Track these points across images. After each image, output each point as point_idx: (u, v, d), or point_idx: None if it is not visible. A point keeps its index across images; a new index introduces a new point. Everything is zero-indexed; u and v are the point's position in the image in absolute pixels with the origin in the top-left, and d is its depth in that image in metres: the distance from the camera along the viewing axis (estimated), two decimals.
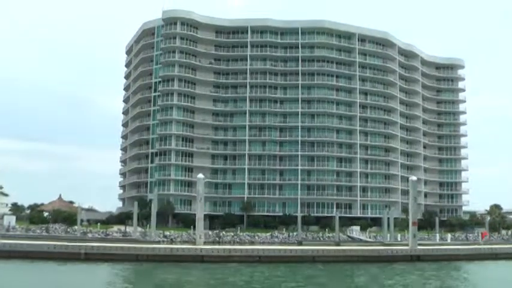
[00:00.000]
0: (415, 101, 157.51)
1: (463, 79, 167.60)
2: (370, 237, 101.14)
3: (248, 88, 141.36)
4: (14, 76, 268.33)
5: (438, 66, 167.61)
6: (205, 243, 79.32)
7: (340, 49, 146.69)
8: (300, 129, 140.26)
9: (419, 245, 56.64)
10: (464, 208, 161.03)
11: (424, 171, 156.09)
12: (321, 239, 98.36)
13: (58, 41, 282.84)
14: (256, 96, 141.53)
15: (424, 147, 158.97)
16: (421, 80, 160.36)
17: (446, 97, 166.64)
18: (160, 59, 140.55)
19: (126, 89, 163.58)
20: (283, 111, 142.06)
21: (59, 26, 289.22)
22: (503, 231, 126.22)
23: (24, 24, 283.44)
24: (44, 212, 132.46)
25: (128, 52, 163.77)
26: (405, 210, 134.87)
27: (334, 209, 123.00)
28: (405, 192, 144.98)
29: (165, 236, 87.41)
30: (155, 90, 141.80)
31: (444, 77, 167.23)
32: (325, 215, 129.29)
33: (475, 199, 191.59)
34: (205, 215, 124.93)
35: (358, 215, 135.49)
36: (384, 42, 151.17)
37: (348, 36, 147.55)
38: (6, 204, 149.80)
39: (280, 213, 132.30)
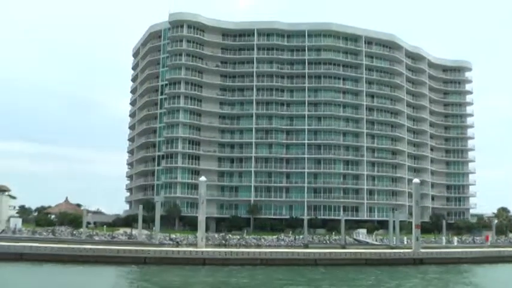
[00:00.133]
0: (422, 104, 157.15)
1: (470, 81, 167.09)
2: (376, 240, 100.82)
3: (255, 91, 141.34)
4: (25, 78, 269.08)
5: (445, 69, 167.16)
6: (211, 245, 79.65)
7: (346, 52, 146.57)
8: (306, 132, 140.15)
9: (425, 248, 56.41)
10: (471, 211, 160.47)
11: (431, 173, 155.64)
12: (328, 241, 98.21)
13: (67, 44, 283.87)
14: (263, 99, 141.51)
15: (431, 149, 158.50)
16: (428, 82, 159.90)
17: (453, 99, 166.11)
18: (167, 62, 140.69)
19: (133, 91, 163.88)
20: (290, 114, 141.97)
21: (67, 29, 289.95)
22: (511, 234, 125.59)
23: (34, 28, 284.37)
24: (50, 215, 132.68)
25: (135, 55, 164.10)
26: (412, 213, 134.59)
27: (341, 212, 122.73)
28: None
29: (171, 239, 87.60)
30: (162, 93, 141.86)
31: (451, 79, 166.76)
32: (332, 217, 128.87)
33: (483, 202, 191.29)
34: (211, 218, 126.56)
35: (365, 218, 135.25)
36: (390, 45, 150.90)
37: (354, 38, 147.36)
38: (14, 207, 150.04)
39: (287, 216, 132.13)
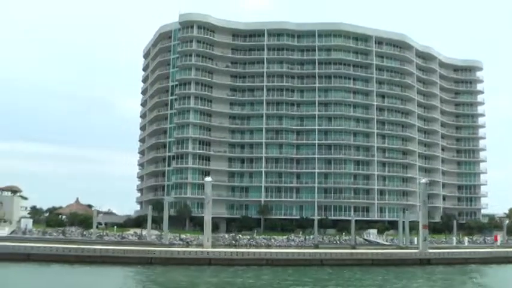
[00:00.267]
0: (433, 104, 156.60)
1: (481, 81, 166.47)
2: (387, 241, 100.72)
3: (265, 91, 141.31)
4: (38, 80, 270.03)
5: (456, 68, 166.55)
6: (221, 246, 79.69)
7: (357, 51, 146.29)
8: (316, 132, 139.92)
9: (435, 248, 56.14)
10: (483, 211, 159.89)
11: (442, 174, 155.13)
12: (338, 242, 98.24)
13: (79, 45, 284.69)
14: (273, 99, 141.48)
15: (442, 149, 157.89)
16: (439, 82, 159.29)
17: (464, 99, 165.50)
18: (177, 63, 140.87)
19: (144, 92, 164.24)
20: (300, 114, 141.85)
21: (79, 30, 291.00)
22: None
23: (45, 28, 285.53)
24: (61, 215, 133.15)
25: (146, 56, 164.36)
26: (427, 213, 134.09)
27: (352, 212, 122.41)
28: (427, 196, 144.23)
29: (181, 239, 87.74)
30: (172, 94, 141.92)
31: (462, 79, 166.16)
32: (342, 218, 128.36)
33: (494, 202, 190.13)
34: (222, 218, 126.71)
35: (376, 218, 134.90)
36: (401, 45, 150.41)
37: (364, 38, 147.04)
38: (26, 208, 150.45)
39: (297, 217, 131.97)
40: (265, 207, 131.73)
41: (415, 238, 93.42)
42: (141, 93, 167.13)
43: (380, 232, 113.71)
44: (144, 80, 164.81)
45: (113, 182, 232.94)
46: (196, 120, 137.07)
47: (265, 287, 34.37)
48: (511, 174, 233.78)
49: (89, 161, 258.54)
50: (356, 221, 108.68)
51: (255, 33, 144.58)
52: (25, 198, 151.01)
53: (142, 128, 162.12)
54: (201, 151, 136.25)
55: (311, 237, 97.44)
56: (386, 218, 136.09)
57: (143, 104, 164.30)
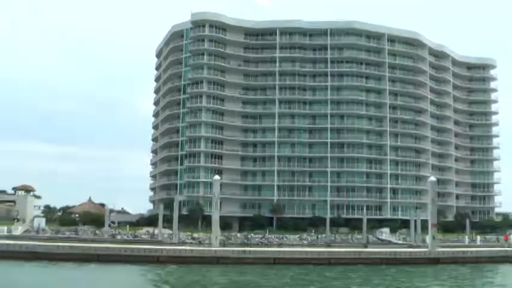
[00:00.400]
0: (446, 102, 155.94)
1: (495, 79, 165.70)
2: (399, 239, 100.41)
3: (277, 90, 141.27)
4: (48, 79, 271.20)
5: (470, 67, 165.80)
6: (233, 245, 79.64)
7: (369, 50, 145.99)
8: (329, 131, 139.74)
9: (446, 247, 55.81)
10: (496, 210, 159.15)
11: (456, 172, 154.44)
12: (350, 241, 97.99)
13: (91, 45, 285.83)
14: (285, 98, 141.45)
15: (456, 148, 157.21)
16: (452, 80, 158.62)
17: (477, 97, 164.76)
18: (189, 62, 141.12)
19: (157, 91, 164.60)
20: (312, 113, 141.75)
21: (91, 30, 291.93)
22: None
23: (59, 28, 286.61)
24: (75, 214, 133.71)
25: (158, 55, 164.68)
26: (438, 212, 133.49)
27: (364, 211, 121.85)
28: (436, 194, 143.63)
29: (193, 238, 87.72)
30: (184, 93, 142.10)
31: (476, 77, 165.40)
32: (355, 216, 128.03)
33: (508, 201, 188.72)
34: (234, 217, 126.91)
35: (389, 217, 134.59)
36: (414, 43, 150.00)
37: (377, 36, 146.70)
38: (39, 207, 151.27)
39: (310, 215, 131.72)
40: (278, 206, 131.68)
41: (427, 237, 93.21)
42: (154, 92, 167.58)
43: (393, 231, 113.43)
44: (157, 79, 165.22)
45: (127, 181, 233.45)
46: (208, 119, 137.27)
47: (273, 286, 34.34)
48: None
49: (102, 160, 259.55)
50: (369, 219, 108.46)
51: (267, 32, 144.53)
52: (38, 198, 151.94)
53: (155, 127, 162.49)
54: (213, 150, 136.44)
55: (323, 236, 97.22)
56: (399, 217, 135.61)
57: (156, 103, 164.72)
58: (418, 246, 60.51)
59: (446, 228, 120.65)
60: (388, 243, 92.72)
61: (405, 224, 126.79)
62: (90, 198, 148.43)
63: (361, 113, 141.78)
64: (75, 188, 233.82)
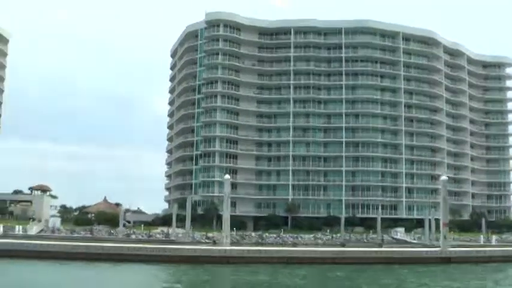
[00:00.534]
0: (462, 100, 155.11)
1: (510, 77, 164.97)
2: (414, 239, 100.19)
3: (292, 89, 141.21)
4: (64, 78, 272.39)
5: (485, 65, 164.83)
6: (248, 244, 79.72)
7: (384, 49, 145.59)
8: (344, 130, 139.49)
9: (461, 246, 55.59)
10: None
11: (472, 171, 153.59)
12: (365, 240, 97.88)
13: (106, 45, 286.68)
14: (300, 98, 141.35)
15: (471, 147, 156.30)
16: (467, 78, 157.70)
17: (493, 96, 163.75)
18: (204, 61, 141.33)
19: (172, 91, 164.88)
20: (327, 112, 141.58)
21: (107, 31, 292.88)
22: None
23: (78, 28, 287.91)
24: (90, 214, 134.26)
25: (173, 55, 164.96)
26: (452, 211, 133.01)
27: (379, 210, 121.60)
28: (452, 193, 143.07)
29: (207, 238, 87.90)
30: (199, 93, 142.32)
31: (491, 75, 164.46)
32: (370, 216, 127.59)
33: None
34: (249, 217, 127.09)
35: (404, 216, 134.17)
36: (428, 41, 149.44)
37: (392, 35, 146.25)
38: (56, 207, 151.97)
39: (325, 215, 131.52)
40: (293, 206, 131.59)
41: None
42: (169, 92, 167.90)
43: (408, 230, 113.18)
44: (172, 79, 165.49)
45: (143, 181, 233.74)
46: (223, 118, 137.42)
47: (283, 285, 34.37)
48: None
49: (118, 159, 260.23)
50: (384, 219, 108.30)
51: (282, 31, 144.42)
52: (55, 197, 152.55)
53: (170, 127, 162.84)
54: (228, 150, 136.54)
55: (338, 235, 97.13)
56: (415, 216, 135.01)
57: (171, 103, 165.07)
58: (432, 246, 60.15)
59: (462, 227, 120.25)
60: (403, 242, 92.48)
61: (420, 223, 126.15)
62: (105, 198, 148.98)
63: (376, 112, 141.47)
64: (91, 188, 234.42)
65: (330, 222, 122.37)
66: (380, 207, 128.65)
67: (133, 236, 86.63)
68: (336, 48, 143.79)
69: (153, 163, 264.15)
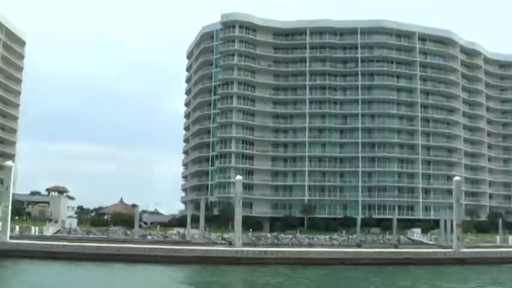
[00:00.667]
0: (479, 101, 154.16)
1: None
2: (431, 240, 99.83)
3: (307, 90, 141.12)
4: (80, 79, 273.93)
5: (502, 64, 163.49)
6: (264, 245, 79.76)
7: (400, 49, 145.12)
8: (360, 131, 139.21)
9: (477, 247, 55.28)
10: None
11: (489, 172, 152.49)
12: (381, 241, 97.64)
13: (124, 47, 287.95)
14: (316, 98, 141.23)
15: (489, 147, 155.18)
16: (484, 78, 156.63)
17: (510, 96, 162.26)
18: (220, 63, 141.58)
19: (188, 92, 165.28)
20: (343, 113, 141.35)
21: (126, 34, 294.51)
22: None
23: (92, 30, 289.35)
24: (107, 215, 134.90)
25: (189, 56, 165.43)
26: (469, 212, 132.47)
27: (396, 211, 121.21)
28: (469, 194, 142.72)
29: (223, 239, 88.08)
30: (215, 94, 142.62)
31: (508, 75, 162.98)
32: (386, 217, 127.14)
33: None
34: (265, 218, 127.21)
35: (420, 217, 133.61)
36: (445, 41, 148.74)
37: (407, 35, 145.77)
38: (73, 208, 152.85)
39: (341, 216, 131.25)
40: (309, 207, 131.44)
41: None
42: (185, 93, 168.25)
43: (425, 231, 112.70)
44: (188, 81, 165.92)
45: (161, 182, 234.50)
46: (239, 119, 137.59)
47: (294, 286, 34.35)
48: None
49: (136, 160, 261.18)
50: (400, 219, 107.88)
51: (297, 32, 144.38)
52: (72, 199, 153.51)
53: (187, 128, 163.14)
54: (244, 151, 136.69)
55: (354, 236, 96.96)
56: (431, 217, 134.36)
57: (187, 104, 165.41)
58: (448, 247, 59.89)
59: (479, 228, 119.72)
60: (420, 243, 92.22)
61: (437, 224, 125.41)
62: (121, 199, 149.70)
63: (392, 113, 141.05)
64: (109, 189, 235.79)
65: (346, 223, 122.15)
66: (396, 208, 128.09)
67: (149, 237, 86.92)
68: (352, 48, 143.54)
69: (170, 164, 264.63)
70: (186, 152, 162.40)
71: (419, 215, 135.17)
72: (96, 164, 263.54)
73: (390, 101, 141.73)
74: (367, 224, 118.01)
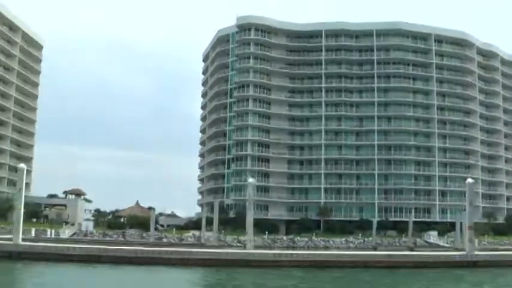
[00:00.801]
0: (496, 102, 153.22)
1: None
2: (447, 242, 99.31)
3: (323, 92, 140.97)
4: (101, 83, 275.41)
5: None
6: (279, 248, 79.85)
7: (416, 51, 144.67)
8: (376, 133, 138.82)
9: (492, 250, 54.96)
10: None
11: (506, 174, 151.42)
12: (397, 244, 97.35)
13: (142, 50, 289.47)
14: (332, 101, 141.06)
15: (506, 149, 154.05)
16: (501, 80, 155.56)
17: None
18: (236, 65, 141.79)
19: (204, 95, 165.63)
20: (359, 115, 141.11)
21: (142, 38, 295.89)
22: None
23: (110, 35, 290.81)
24: (124, 218, 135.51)
25: (205, 59, 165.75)
26: (486, 214, 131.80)
27: (412, 214, 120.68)
28: (487, 196, 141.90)
29: (239, 241, 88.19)
30: (231, 96, 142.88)
31: None
32: (403, 219, 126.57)
33: None
34: (281, 220, 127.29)
35: (437, 220, 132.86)
36: (461, 43, 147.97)
37: (423, 37, 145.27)
38: (90, 210, 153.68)
39: (357, 218, 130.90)
40: (325, 209, 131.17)
41: (476, 240, 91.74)
42: (201, 96, 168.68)
43: (441, 234, 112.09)
44: (204, 84, 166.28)
45: (178, 185, 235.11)
46: (255, 122, 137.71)
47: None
48: None
49: (153, 163, 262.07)
50: (417, 222, 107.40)
51: (313, 34, 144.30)
52: (89, 201, 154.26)
53: (203, 131, 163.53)
54: (260, 153, 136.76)
55: (370, 239, 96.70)
56: (448, 220, 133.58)
57: (203, 107, 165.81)
58: (464, 249, 59.65)
59: (496, 230, 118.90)
60: (436, 246, 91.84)
61: (454, 226, 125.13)
62: (137, 201, 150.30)
63: (408, 115, 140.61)
64: (126, 192, 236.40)
65: (362, 226, 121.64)
66: (413, 211, 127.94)
67: (164, 240, 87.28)
68: (368, 50, 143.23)
69: (188, 167, 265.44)
70: (202, 155, 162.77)
71: (436, 217, 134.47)
72: (114, 166, 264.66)
73: (406, 103, 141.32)
74: (383, 226, 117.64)
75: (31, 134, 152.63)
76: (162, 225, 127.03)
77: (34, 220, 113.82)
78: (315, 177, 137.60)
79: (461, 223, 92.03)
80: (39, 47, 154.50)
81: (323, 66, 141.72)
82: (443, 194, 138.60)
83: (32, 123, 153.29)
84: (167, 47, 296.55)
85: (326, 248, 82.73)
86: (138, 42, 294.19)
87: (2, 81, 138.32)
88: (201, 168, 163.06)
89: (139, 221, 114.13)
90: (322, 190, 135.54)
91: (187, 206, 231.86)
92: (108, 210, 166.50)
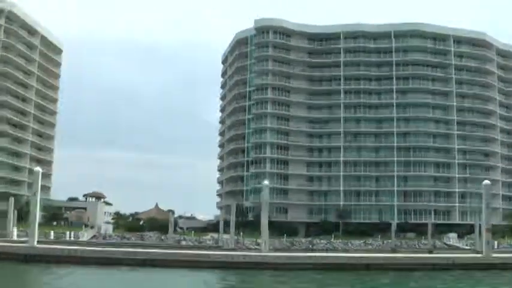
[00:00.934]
0: None
1: None
2: (467, 245, 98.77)
3: (342, 94, 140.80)
4: (116, 86, 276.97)
5: None
6: (298, 250, 79.78)
7: (435, 52, 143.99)
8: (395, 135, 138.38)
9: (509, 252, 54.49)
10: None
11: None
12: (417, 246, 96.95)
13: (160, 52, 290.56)
14: (351, 103, 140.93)
15: None
16: None
17: None
18: (254, 68, 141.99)
19: (223, 98, 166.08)
20: (378, 117, 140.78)
21: (161, 41, 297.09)
22: None
23: (129, 38, 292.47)
24: (141, 221, 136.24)
25: (224, 62, 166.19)
26: (506, 216, 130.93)
27: (432, 216, 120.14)
28: (506, 198, 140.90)
29: (257, 244, 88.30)
30: (250, 99, 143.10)
31: None
32: (422, 221, 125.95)
33: None
34: (301, 223, 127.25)
35: (457, 222, 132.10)
36: (480, 43, 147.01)
37: (442, 38, 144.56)
38: (110, 213, 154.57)
39: (377, 221, 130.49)
40: (344, 212, 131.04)
41: (495, 242, 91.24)
42: (220, 99, 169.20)
43: (461, 236, 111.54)
44: (223, 86, 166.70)
45: (198, 187, 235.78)
46: (273, 125, 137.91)
47: None
48: None
49: (173, 166, 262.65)
50: (437, 224, 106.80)
51: (331, 37, 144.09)
52: (109, 204, 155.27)
53: (222, 134, 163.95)
54: (279, 156, 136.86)
55: (389, 241, 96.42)
56: (468, 222, 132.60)
57: (222, 110, 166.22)
58: (483, 252, 59.34)
59: None
60: (455, 248, 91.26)
61: (474, 229, 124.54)
62: (156, 204, 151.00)
63: (427, 116, 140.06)
64: (145, 195, 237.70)
65: (381, 228, 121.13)
66: (433, 213, 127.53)
67: (183, 242, 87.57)
68: (386, 52, 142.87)
69: (207, 169, 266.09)
70: (221, 158, 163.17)
71: (456, 219, 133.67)
72: (134, 169, 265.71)
73: (425, 105, 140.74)
74: (402, 229, 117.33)
75: (51, 138, 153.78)
76: (181, 228, 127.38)
77: (54, 223, 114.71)
78: (334, 180, 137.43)
79: (480, 225, 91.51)
80: (58, 51, 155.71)
81: (341, 68, 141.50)
82: (463, 196, 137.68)
83: (52, 127, 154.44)
84: (186, 50, 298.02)
85: (345, 250, 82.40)
86: (157, 45, 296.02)
87: (22, 86, 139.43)
88: (220, 170, 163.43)
89: (158, 223, 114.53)
90: (341, 192, 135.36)
91: (207, 209, 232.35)
92: (128, 213, 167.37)
